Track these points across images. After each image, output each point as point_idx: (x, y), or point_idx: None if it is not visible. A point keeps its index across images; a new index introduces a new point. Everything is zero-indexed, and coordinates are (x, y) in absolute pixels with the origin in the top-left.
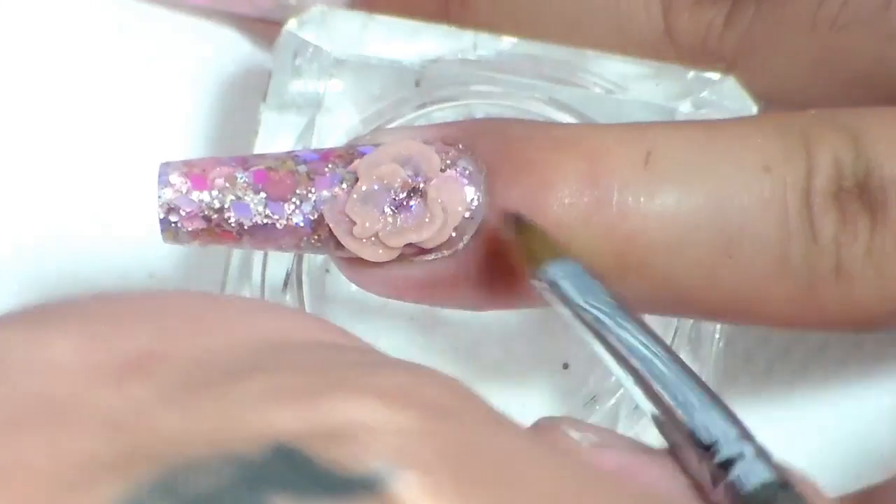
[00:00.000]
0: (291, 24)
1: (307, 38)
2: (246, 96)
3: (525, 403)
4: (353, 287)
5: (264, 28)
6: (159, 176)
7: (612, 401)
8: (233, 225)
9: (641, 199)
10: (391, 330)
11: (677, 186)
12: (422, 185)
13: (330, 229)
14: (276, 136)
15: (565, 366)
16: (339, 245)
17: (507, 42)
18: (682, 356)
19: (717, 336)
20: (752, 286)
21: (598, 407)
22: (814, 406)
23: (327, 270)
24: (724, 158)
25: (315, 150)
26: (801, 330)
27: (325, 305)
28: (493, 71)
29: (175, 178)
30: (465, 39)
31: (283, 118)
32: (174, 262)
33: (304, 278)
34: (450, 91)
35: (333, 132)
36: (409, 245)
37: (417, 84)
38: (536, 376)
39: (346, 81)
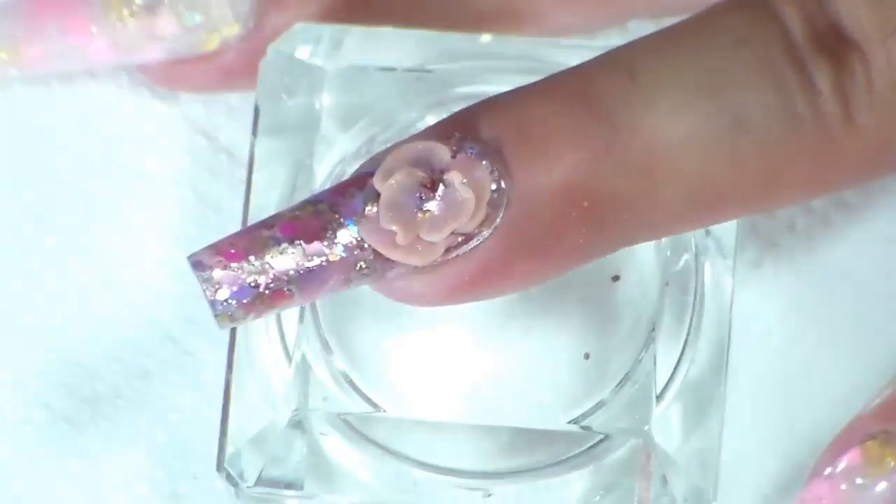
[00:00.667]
0: (277, 43)
1: (295, 55)
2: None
3: (549, 396)
4: (366, 296)
5: (174, 72)
6: (192, 266)
7: (637, 385)
8: (281, 281)
9: (643, 112)
10: (409, 330)
11: (669, 89)
12: (441, 176)
13: (374, 250)
14: (270, 163)
15: (587, 356)
16: (387, 263)
17: (486, 40)
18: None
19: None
20: (774, 154)
21: (623, 392)
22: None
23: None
24: (699, 48)
25: (325, 190)
26: (827, 190)
27: (342, 308)
28: (477, 71)
29: (208, 260)
30: (449, 41)
31: (276, 141)
32: (181, 291)
33: None
34: (438, 95)
35: (329, 146)
36: (452, 236)
37: (406, 90)
38: (558, 368)
39: (336, 94)
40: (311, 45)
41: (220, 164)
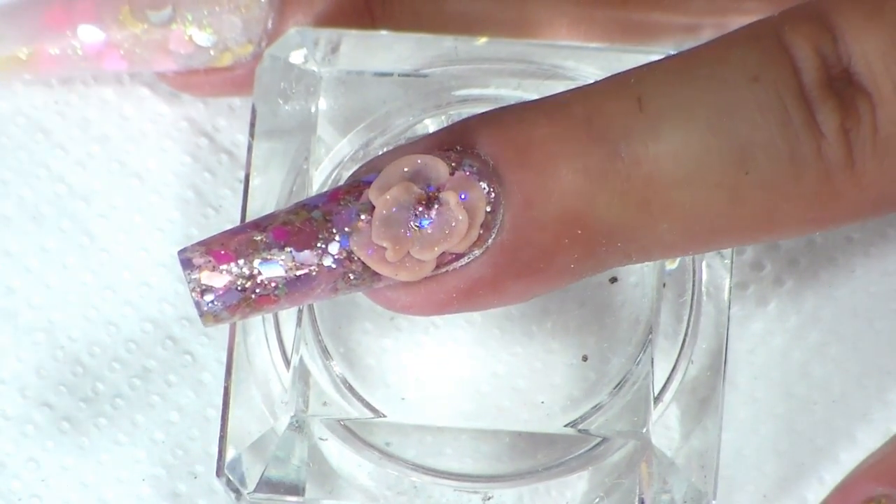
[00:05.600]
0: (273, 49)
1: (291, 61)
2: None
3: (547, 399)
4: (365, 301)
5: (186, 80)
6: (182, 263)
7: (635, 387)
8: (268, 287)
9: (648, 142)
10: (408, 333)
11: (677, 120)
12: (437, 194)
13: (363, 263)
14: (269, 164)
15: (585, 358)
16: (375, 276)
17: (482, 42)
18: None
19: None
20: (774, 194)
21: (621, 394)
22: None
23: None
24: (711, 81)
25: (321, 194)
26: (821, 229)
27: (340, 312)
28: (474, 74)
29: (198, 260)
30: (445, 44)
31: (274, 145)
32: (181, 291)
33: None
34: (434, 99)
35: (327, 150)
36: (443, 253)
37: (403, 94)
38: (557, 370)
39: (333, 98)
40: (306, 50)
41: (220, 164)
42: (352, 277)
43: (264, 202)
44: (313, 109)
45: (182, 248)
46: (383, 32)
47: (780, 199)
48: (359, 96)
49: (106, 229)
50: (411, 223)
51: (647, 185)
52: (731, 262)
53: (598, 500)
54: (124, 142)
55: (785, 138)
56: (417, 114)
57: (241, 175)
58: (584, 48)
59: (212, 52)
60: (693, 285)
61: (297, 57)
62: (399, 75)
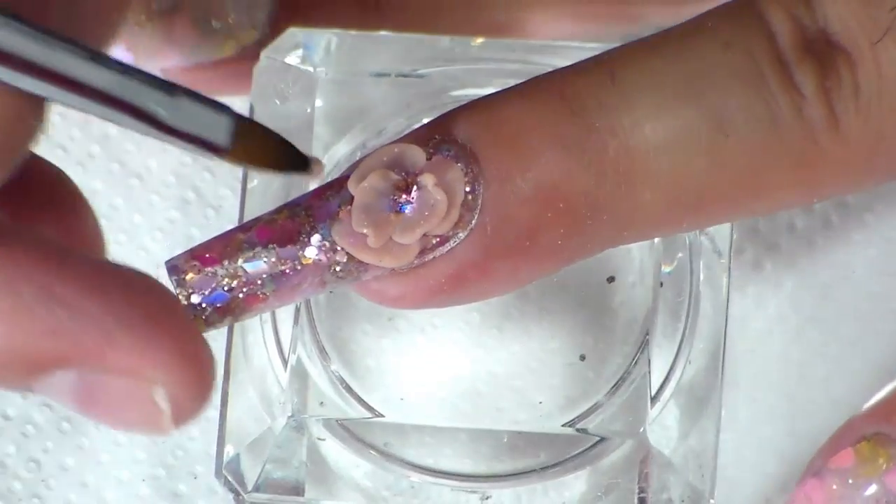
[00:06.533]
0: (269, 50)
1: (287, 62)
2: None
3: (545, 398)
4: (363, 302)
5: (192, 76)
6: (168, 271)
7: (633, 387)
8: (255, 285)
9: (622, 114)
10: (406, 333)
11: (649, 90)
12: (415, 178)
13: (348, 253)
14: None
15: (582, 357)
16: (361, 266)
17: (478, 43)
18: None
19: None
20: (758, 157)
21: (619, 394)
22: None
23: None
24: (683, 51)
25: (305, 193)
26: (816, 195)
27: (338, 312)
28: (470, 75)
29: (183, 265)
30: (442, 45)
31: None
32: None
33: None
34: (431, 100)
35: (325, 151)
36: (426, 238)
37: (399, 95)
38: (555, 370)
39: (330, 99)
40: (303, 50)
41: (221, 165)
42: (338, 269)
43: (262, 203)
44: (309, 110)
45: (168, 258)
46: (379, 33)
47: (765, 161)
48: (356, 97)
49: (106, 229)
50: (391, 208)
51: (625, 154)
52: (729, 263)
53: (596, 499)
54: (124, 142)
55: (763, 100)
56: (415, 114)
57: (241, 175)
58: (581, 48)
59: (216, 40)
60: (691, 285)
61: (294, 57)
62: (396, 76)
